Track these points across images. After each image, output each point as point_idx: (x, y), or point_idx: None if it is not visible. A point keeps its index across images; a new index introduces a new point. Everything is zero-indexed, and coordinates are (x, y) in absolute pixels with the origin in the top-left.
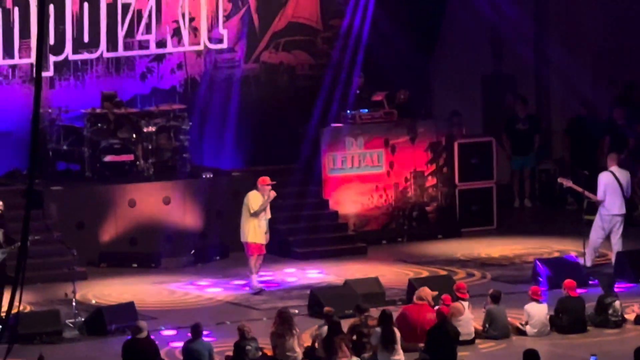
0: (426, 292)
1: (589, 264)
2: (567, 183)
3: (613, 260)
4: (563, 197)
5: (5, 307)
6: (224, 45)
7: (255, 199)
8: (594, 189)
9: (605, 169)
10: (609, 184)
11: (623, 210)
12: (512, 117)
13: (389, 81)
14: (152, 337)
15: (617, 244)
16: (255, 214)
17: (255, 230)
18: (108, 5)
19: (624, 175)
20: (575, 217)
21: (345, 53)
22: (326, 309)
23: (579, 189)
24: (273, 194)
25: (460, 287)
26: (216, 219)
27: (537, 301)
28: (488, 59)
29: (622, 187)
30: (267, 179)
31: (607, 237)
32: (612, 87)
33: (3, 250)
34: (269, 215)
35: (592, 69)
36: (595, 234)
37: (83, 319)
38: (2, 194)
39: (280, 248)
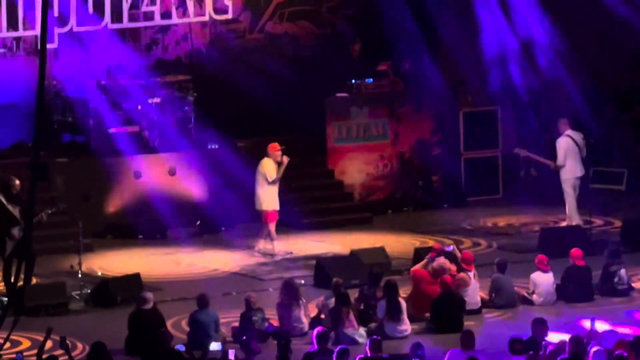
0: (446, 264)
1: None
2: (523, 153)
3: (572, 222)
4: None
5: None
6: (229, 16)
7: (270, 167)
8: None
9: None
10: (569, 149)
11: (583, 172)
12: (516, 86)
13: (393, 51)
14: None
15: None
16: (275, 182)
17: (272, 198)
18: None
19: (579, 138)
20: (580, 186)
21: (349, 23)
22: (335, 279)
23: (537, 158)
24: (286, 159)
25: (467, 258)
26: (222, 189)
27: (544, 270)
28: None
29: (580, 150)
30: (276, 144)
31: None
32: (619, 55)
33: (20, 227)
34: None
35: (599, 36)
36: (570, 201)
37: (89, 291)
38: (7, 167)
39: (286, 218)
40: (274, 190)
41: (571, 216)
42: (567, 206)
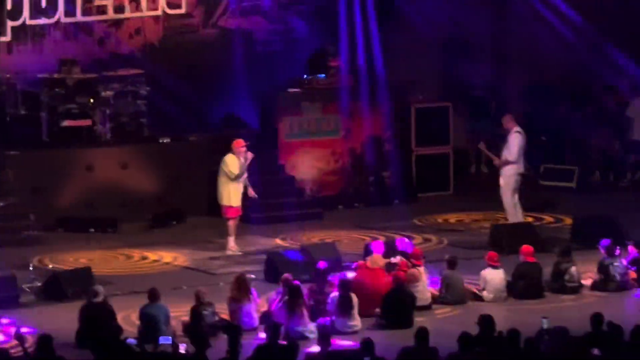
0: (378, 260)
1: None
2: (483, 147)
3: (510, 219)
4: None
5: None
6: (182, 11)
7: (233, 163)
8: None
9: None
10: (522, 145)
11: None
12: (468, 83)
13: (347, 46)
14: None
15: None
16: (237, 178)
17: (233, 193)
18: None
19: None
20: (530, 182)
21: (301, 19)
22: (284, 275)
23: (489, 153)
24: (250, 155)
25: (416, 253)
26: (173, 183)
27: (494, 267)
28: (446, 25)
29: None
30: (241, 141)
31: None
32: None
33: None
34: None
35: (553, 34)
36: (511, 197)
37: (40, 284)
38: None
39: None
40: (237, 186)
41: (509, 212)
42: (506, 203)
